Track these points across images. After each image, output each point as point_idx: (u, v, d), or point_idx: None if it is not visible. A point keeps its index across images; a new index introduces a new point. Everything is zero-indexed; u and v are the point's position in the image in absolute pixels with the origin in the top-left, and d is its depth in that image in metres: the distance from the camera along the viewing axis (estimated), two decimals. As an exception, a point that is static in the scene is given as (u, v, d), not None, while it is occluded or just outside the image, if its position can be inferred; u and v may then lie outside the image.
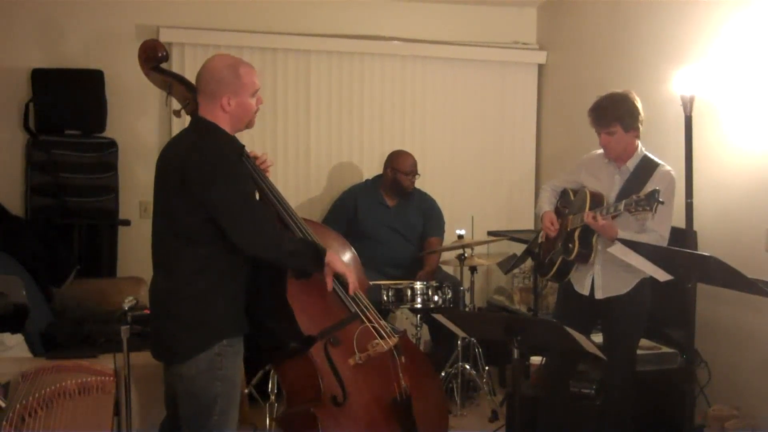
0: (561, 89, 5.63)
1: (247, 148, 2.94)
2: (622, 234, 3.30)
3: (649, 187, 3.22)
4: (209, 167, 2.60)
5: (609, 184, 3.51)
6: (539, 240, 3.85)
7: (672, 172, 3.44)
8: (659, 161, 3.47)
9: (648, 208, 3.09)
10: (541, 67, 5.81)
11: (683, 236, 3.87)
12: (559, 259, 3.58)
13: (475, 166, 5.70)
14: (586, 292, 3.52)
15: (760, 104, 3.81)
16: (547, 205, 3.73)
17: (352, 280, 2.98)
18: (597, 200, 3.45)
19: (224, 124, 2.70)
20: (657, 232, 3.36)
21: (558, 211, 3.71)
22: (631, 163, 3.47)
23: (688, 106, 3.91)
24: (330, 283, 2.94)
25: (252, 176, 2.94)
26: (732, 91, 3.97)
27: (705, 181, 4.02)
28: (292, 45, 5.31)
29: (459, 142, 5.72)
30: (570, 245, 3.46)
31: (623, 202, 3.22)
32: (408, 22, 5.57)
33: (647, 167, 3.44)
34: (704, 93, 3.97)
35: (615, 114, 3.38)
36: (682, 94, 3.92)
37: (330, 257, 2.88)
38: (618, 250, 3.17)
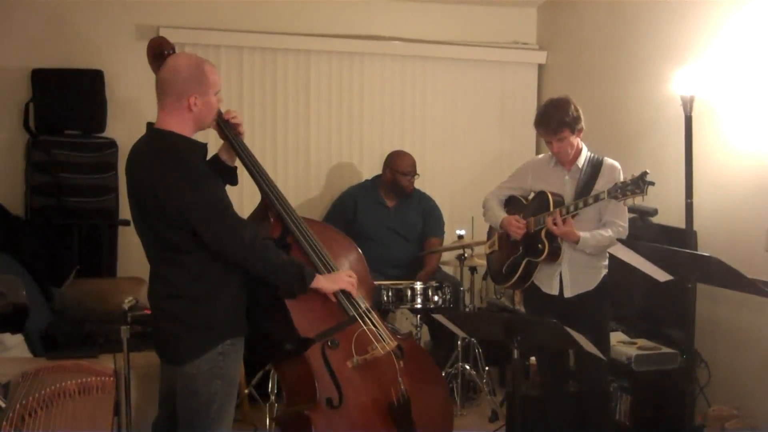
0: (561, 89, 5.57)
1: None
2: (584, 235, 3.36)
3: (602, 182, 3.39)
4: (176, 180, 2.58)
5: (559, 185, 3.55)
6: (486, 252, 3.91)
7: (616, 163, 3.52)
8: (601, 156, 3.54)
9: (638, 191, 3.14)
10: (541, 67, 5.80)
11: (683, 236, 3.87)
12: (524, 263, 3.58)
13: (475, 166, 5.70)
14: (555, 291, 3.53)
15: (760, 104, 3.81)
16: (502, 213, 3.73)
17: (347, 288, 2.95)
18: (558, 200, 3.49)
19: (187, 125, 2.68)
20: (617, 224, 3.43)
21: None
22: (581, 163, 3.53)
23: (688, 106, 3.91)
24: (332, 296, 2.94)
25: (246, 165, 2.94)
26: (732, 91, 3.97)
27: (705, 181, 4.01)
28: (292, 45, 5.32)
29: (459, 142, 5.73)
30: (540, 246, 3.48)
31: (606, 190, 3.26)
32: (408, 22, 5.57)
33: (595, 164, 3.52)
34: (704, 93, 3.96)
35: (562, 120, 3.44)
36: (682, 94, 3.91)
37: (317, 283, 2.84)
38: (618, 250, 3.18)
